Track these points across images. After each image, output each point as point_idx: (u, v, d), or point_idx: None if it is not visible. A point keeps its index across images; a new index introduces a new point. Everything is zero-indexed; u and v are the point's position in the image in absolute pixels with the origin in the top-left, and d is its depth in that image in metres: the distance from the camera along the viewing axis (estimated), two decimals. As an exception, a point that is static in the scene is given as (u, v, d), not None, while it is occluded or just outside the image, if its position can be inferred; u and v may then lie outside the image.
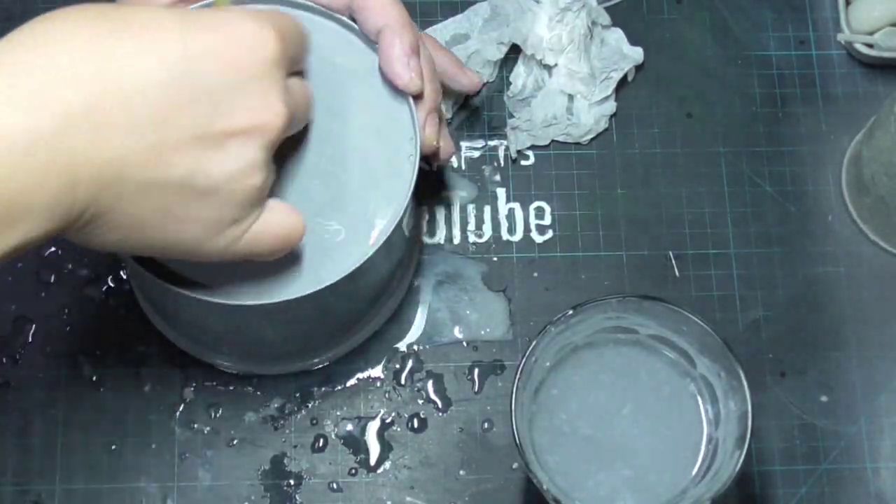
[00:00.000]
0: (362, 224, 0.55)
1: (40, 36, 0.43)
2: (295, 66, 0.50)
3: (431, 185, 0.67)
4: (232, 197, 0.47)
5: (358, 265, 0.53)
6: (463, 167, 0.68)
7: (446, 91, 0.63)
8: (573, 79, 0.68)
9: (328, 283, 0.53)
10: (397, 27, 0.55)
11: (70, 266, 0.65)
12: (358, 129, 0.56)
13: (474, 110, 0.69)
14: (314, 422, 0.63)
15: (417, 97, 0.56)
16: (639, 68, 0.69)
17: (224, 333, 0.61)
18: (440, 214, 0.67)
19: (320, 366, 0.64)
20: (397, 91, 0.56)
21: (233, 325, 0.59)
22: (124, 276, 0.65)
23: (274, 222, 0.50)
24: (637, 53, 0.69)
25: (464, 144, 0.68)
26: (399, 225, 0.54)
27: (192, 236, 0.47)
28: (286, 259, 0.53)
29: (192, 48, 0.44)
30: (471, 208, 0.67)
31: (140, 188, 0.44)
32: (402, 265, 0.63)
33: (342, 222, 0.55)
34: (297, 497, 0.62)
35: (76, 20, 0.43)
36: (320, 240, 0.54)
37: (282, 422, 0.63)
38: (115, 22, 0.44)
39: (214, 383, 0.63)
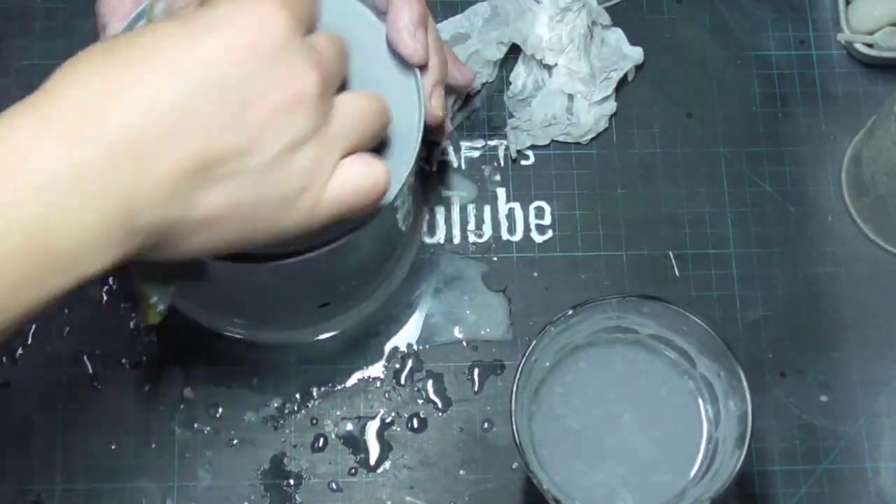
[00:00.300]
0: None
1: (61, 84, 0.44)
2: (311, 23, 0.50)
3: (431, 185, 0.67)
4: (290, 168, 0.47)
5: (342, 242, 0.53)
6: (463, 167, 0.68)
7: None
8: (573, 79, 0.68)
9: (307, 255, 0.53)
10: None
11: (70, 266, 0.65)
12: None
13: (474, 110, 0.69)
14: (314, 421, 0.63)
15: (423, 69, 0.57)
16: (639, 68, 0.69)
17: (221, 296, 0.61)
18: (440, 214, 0.67)
19: (313, 339, 0.64)
20: (405, 64, 0.56)
21: (228, 286, 0.60)
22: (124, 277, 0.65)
23: (350, 179, 0.49)
24: (637, 53, 0.69)
25: (464, 144, 0.68)
26: (393, 208, 0.54)
27: (268, 217, 0.48)
28: None
29: (202, 52, 0.45)
30: (471, 208, 0.67)
31: (198, 192, 0.45)
32: (395, 250, 0.63)
33: None
34: (297, 497, 0.62)
35: (88, 61, 0.44)
36: None
37: (281, 422, 0.63)
38: (122, 52, 0.45)
39: (214, 383, 0.63)
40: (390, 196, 0.54)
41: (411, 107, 0.56)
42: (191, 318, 0.64)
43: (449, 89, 0.64)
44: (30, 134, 0.42)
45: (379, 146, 0.55)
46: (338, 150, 0.49)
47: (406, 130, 0.56)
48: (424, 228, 0.67)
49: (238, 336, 0.64)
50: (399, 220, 0.59)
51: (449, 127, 0.61)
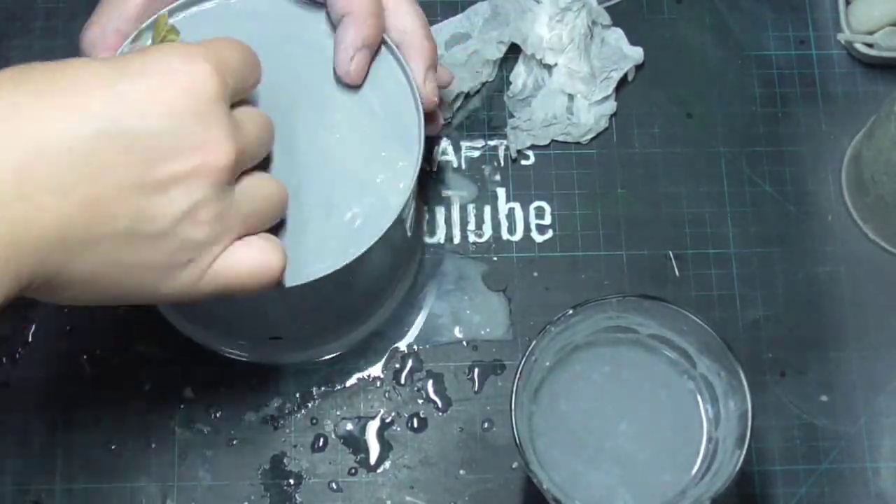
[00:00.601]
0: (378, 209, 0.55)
1: None
2: (241, 95, 0.49)
3: (432, 185, 0.67)
4: (181, 239, 0.46)
5: (350, 260, 0.53)
6: (463, 167, 0.68)
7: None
8: (573, 78, 0.68)
9: (317, 276, 0.53)
10: (359, 16, 0.55)
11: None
12: (360, 111, 0.56)
13: (474, 110, 0.69)
14: (314, 421, 0.63)
15: (413, 56, 0.56)
16: (639, 68, 0.69)
17: (228, 318, 0.61)
18: (440, 214, 0.67)
19: (318, 359, 0.64)
20: (404, 73, 0.56)
21: (234, 309, 0.59)
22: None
23: (241, 261, 0.48)
24: (637, 53, 0.69)
25: (464, 144, 0.68)
26: (401, 220, 0.54)
27: (149, 282, 0.46)
28: (299, 244, 0.53)
29: (121, 97, 0.43)
30: (471, 208, 0.67)
31: (84, 245, 0.43)
32: (402, 261, 0.63)
33: (360, 207, 0.54)
34: (297, 497, 0.62)
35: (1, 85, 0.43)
36: (338, 223, 0.54)
37: (281, 421, 0.63)
38: (40, 82, 0.43)
39: (214, 383, 0.63)
40: (399, 206, 0.54)
41: (409, 110, 0.56)
42: (196, 341, 0.64)
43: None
44: None
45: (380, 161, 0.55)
46: (235, 229, 0.48)
47: (407, 134, 0.55)
48: (424, 228, 0.67)
49: (243, 359, 0.64)
50: (407, 229, 0.59)
51: (440, 119, 0.60)
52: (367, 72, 0.56)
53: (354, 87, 0.56)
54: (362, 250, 0.53)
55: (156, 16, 0.54)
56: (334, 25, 0.56)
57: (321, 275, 0.52)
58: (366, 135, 0.56)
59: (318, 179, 0.54)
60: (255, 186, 0.49)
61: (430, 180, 0.67)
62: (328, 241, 0.54)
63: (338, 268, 0.53)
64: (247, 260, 0.48)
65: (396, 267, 0.62)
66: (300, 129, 0.55)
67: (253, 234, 0.49)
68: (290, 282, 0.52)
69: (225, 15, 0.57)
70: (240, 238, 0.48)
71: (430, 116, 0.58)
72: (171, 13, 0.56)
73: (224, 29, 0.54)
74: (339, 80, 0.56)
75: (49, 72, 0.44)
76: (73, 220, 0.42)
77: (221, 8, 0.57)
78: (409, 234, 0.60)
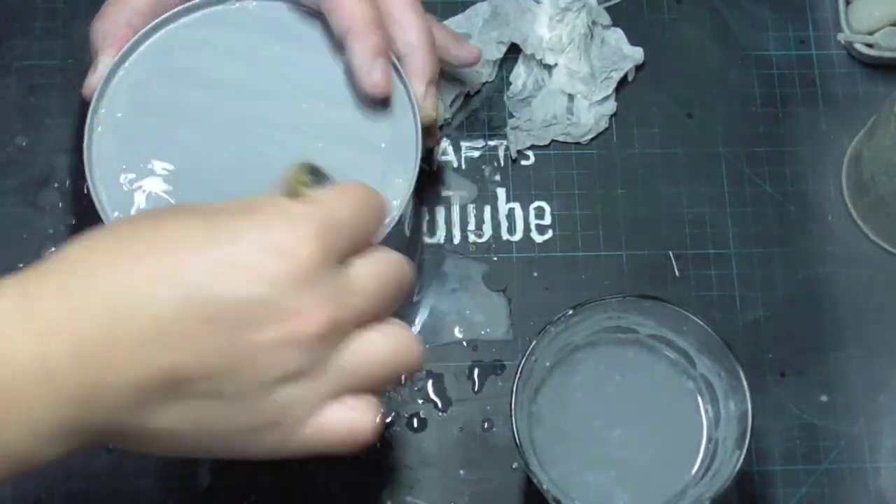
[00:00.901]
0: None
1: (61, 263, 0.42)
2: (362, 245, 0.46)
3: (431, 184, 0.67)
4: (267, 402, 0.43)
5: None
6: (463, 167, 0.68)
7: (446, 71, 0.63)
8: (573, 78, 0.68)
9: None
10: (360, 31, 0.54)
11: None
12: (360, 122, 0.56)
13: (474, 110, 0.69)
14: (314, 422, 0.63)
15: (414, 70, 0.56)
16: (639, 68, 0.69)
17: None
18: (440, 214, 0.67)
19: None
20: (397, 77, 0.56)
21: None
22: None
23: (331, 425, 0.45)
24: (637, 53, 0.69)
25: (464, 144, 0.68)
26: (399, 222, 0.54)
27: (230, 441, 0.44)
28: None
29: (211, 265, 0.42)
30: (471, 208, 0.67)
31: (162, 407, 0.42)
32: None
33: None
34: (298, 497, 0.61)
35: (92, 247, 0.42)
36: None
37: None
38: (132, 243, 0.42)
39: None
40: (396, 213, 0.54)
41: (407, 117, 0.56)
42: None
43: (450, 76, 0.64)
44: (4, 314, 0.40)
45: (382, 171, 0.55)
46: (329, 392, 0.45)
47: (405, 143, 0.55)
48: (424, 228, 0.67)
49: None
50: (406, 230, 0.59)
51: (438, 134, 0.61)
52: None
53: (368, 99, 0.55)
54: None
55: (294, 166, 0.48)
56: (337, 35, 0.56)
57: None
58: (365, 145, 0.56)
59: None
60: (367, 347, 0.45)
61: (430, 180, 0.67)
62: None
63: None
64: (338, 424, 0.45)
65: None
66: (300, 139, 0.55)
67: (353, 392, 0.46)
68: None
69: (228, 19, 0.57)
70: (336, 399, 0.45)
71: (428, 130, 0.58)
72: (178, 16, 0.56)
73: (225, 34, 0.54)
74: (341, 92, 0.56)
75: (138, 228, 0.43)
76: (150, 383, 0.41)
77: (227, 13, 0.57)
78: (407, 234, 0.60)
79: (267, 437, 0.45)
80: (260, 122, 0.56)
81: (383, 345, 0.46)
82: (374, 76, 0.54)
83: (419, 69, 0.57)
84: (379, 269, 0.46)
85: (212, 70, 0.56)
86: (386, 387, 0.47)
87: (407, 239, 0.61)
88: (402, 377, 0.47)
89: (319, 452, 0.46)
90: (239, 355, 0.42)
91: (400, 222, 0.55)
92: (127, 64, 0.56)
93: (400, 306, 0.64)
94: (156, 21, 0.56)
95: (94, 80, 0.56)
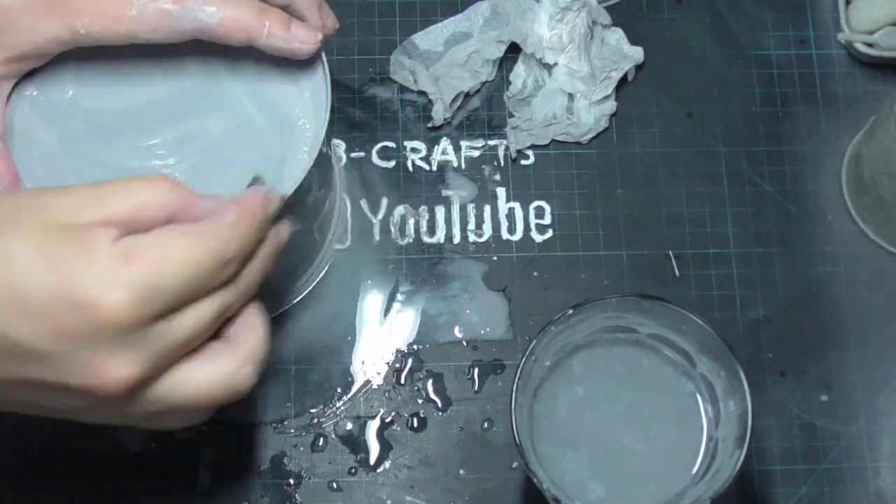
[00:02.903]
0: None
1: None
2: (182, 301, 0.45)
3: (431, 184, 0.67)
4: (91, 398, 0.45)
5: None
6: (463, 167, 0.68)
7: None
8: (573, 78, 0.68)
9: None
10: (250, 22, 0.53)
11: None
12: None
13: (474, 110, 0.69)
14: (314, 421, 0.63)
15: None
16: (639, 68, 0.69)
17: None
18: (440, 214, 0.67)
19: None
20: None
21: None
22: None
23: (193, 381, 0.47)
24: (637, 53, 0.69)
25: (464, 144, 0.68)
26: (300, 187, 0.53)
27: (76, 415, 0.47)
28: None
29: (15, 307, 0.43)
30: (471, 208, 0.67)
31: None
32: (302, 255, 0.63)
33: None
34: (297, 497, 0.61)
35: None
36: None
37: (281, 421, 0.63)
38: None
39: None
40: (301, 171, 0.53)
41: (318, 83, 0.55)
42: None
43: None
44: None
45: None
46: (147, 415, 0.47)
47: (315, 98, 0.55)
48: (424, 228, 0.67)
49: None
50: (309, 205, 0.58)
51: (333, 24, 0.58)
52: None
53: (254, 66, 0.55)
54: None
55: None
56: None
57: None
58: (273, 111, 0.55)
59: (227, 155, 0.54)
60: (185, 381, 0.46)
61: (430, 180, 0.67)
62: None
63: None
64: (200, 382, 0.47)
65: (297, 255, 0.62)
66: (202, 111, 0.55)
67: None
68: None
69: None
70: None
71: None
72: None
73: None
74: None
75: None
76: None
77: None
78: (313, 213, 0.59)
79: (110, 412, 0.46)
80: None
81: (205, 377, 0.47)
82: (310, 31, 0.54)
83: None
84: (201, 315, 0.46)
85: None
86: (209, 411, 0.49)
87: (311, 215, 0.60)
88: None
89: (185, 409, 0.47)
90: (46, 385, 0.44)
91: (303, 189, 0.54)
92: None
93: (401, 308, 0.64)
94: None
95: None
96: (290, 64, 0.55)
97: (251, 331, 0.49)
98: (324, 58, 0.55)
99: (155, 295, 0.44)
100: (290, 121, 0.55)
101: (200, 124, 0.55)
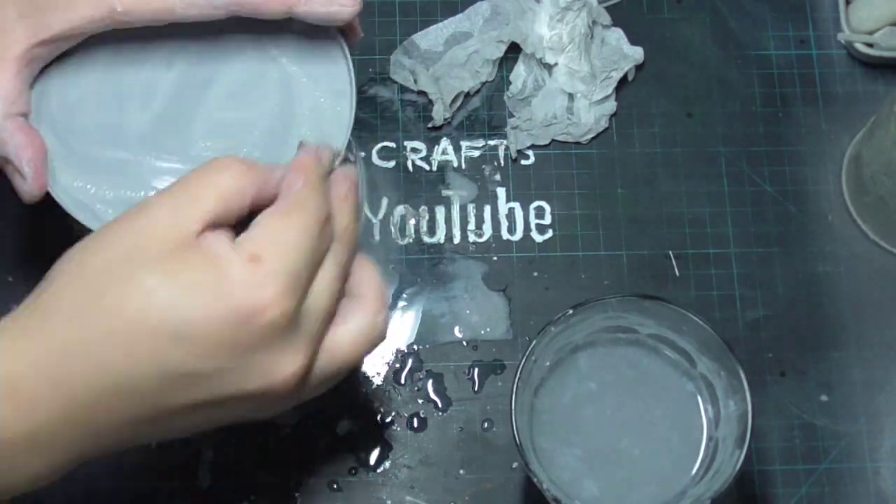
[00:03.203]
0: None
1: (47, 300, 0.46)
2: (315, 268, 0.48)
3: (432, 184, 0.67)
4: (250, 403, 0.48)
5: None
6: (463, 167, 0.68)
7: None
8: (573, 78, 0.68)
9: None
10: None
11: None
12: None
13: (474, 110, 0.69)
14: (314, 421, 0.63)
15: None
16: (639, 68, 0.69)
17: None
18: (440, 214, 0.67)
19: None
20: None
21: None
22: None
23: (343, 341, 0.50)
24: (637, 53, 0.69)
25: (464, 144, 0.68)
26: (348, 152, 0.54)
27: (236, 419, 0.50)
28: None
29: (169, 330, 0.45)
30: (471, 208, 0.67)
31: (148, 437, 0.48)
32: None
33: None
34: (297, 497, 0.61)
35: (61, 287, 0.46)
36: None
37: (281, 421, 0.63)
38: (97, 297, 0.45)
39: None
40: (341, 147, 0.53)
41: (342, 78, 0.55)
42: None
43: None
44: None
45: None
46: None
47: (337, 74, 0.55)
48: (424, 228, 0.67)
49: None
50: (351, 156, 0.59)
51: (358, 29, 0.58)
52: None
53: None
54: None
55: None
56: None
57: None
58: (303, 89, 0.55)
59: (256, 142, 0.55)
60: (338, 344, 0.50)
61: (430, 180, 0.67)
62: None
63: None
64: (347, 344, 0.50)
65: None
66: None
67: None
68: None
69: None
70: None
71: (349, 27, 0.56)
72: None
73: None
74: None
75: (113, 280, 0.46)
76: (139, 430, 0.47)
77: None
78: (352, 159, 0.59)
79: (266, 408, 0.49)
80: (204, 85, 0.55)
81: (350, 337, 0.49)
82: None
83: None
84: (328, 279, 0.48)
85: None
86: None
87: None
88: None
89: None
90: (219, 401, 0.47)
91: (348, 152, 0.55)
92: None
93: (399, 306, 0.64)
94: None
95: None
96: (315, 53, 0.55)
97: (370, 280, 0.51)
98: (343, 43, 0.55)
99: (294, 280, 0.45)
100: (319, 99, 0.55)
101: (242, 109, 0.55)
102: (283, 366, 0.46)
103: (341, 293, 0.49)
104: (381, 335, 0.51)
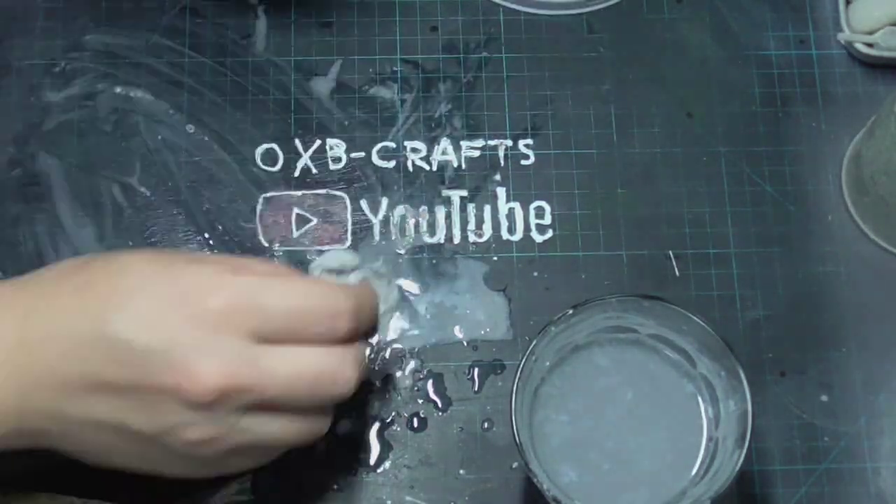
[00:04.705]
0: None
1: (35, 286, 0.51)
2: (282, 337, 0.51)
3: (431, 184, 0.67)
4: (171, 435, 0.50)
5: None
6: (463, 167, 0.68)
7: None
8: None
9: None
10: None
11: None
12: None
13: (475, 110, 0.69)
14: (314, 421, 0.63)
15: None
16: (639, 68, 0.69)
17: None
18: (440, 214, 0.67)
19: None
20: None
21: None
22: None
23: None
24: None
25: (464, 144, 0.68)
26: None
27: (158, 467, 0.53)
28: None
29: (126, 315, 0.48)
30: (471, 208, 0.67)
31: (75, 424, 0.50)
32: None
33: None
34: (297, 496, 0.61)
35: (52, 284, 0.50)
36: None
37: (282, 421, 0.63)
38: (82, 288, 0.50)
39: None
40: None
41: None
42: None
43: None
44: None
45: None
46: (228, 448, 0.52)
47: None
48: (424, 228, 0.67)
49: None
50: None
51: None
52: None
53: None
54: None
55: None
56: None
57: None
58: None
59: None
60: (266, 430, 0.52)
61: (429, 180, 0.67)
62: None
63: None
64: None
65: None
66: None
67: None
68: None
69: None
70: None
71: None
72: None
73: None
74: None
75: (96, 275, 0.50)
76: (61, 400, 0.49)
77: None
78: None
79: (184, 464, 0.53)
80: None
81: (279, 430, 0.53)
82: None
83: None
84: (297, 359, 0.51)
85: None
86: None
87: None
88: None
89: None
90: (142, 392, 0.49)
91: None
92: None
93: (398, 306, 0.64)
94: None
95: None
96: None
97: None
98: None
99: (255, 306, 0.50)
100: None
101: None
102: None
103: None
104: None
